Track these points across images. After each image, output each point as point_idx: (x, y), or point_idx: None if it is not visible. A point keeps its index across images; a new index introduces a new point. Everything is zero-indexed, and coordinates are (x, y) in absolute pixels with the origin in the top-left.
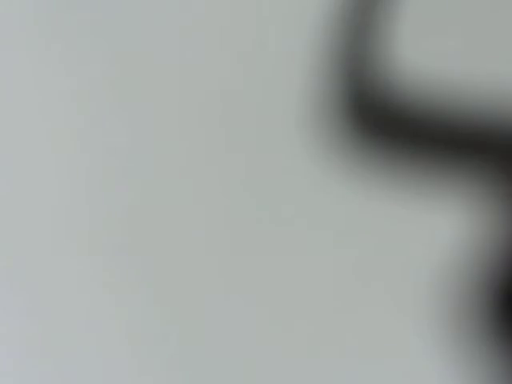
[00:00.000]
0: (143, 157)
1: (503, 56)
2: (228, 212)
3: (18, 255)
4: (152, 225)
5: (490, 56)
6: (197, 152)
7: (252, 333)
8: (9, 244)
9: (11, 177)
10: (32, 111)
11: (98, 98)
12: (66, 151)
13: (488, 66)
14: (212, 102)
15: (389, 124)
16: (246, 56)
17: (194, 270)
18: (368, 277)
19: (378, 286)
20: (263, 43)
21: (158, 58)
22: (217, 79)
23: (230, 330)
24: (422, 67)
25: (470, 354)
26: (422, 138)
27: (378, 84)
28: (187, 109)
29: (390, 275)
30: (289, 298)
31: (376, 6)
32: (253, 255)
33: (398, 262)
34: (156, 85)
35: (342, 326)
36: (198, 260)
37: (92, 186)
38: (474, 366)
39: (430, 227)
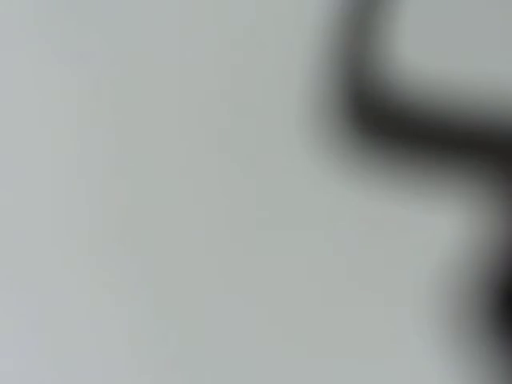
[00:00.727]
0: (143, 157)
1: (503, 56)
2: (228, 212)
3: (18, 256)
4: (152, 225)
5: (490, 56)
6: (197, 152)
7: (252, 332)
8: (9, 245)
9: (11, 177)
10: (32, 111)
11: (97, 98)
12: (65, 151)
13: (488, 65)
14: (212, 101)
15: (389, 124)
16: (245, 56)
17: (194, 270)
18: (368, 277)
19: (378, 285)
20: (263, 43)
21: (157, 57)
22: (217, 79)
23: (229, 330)
24: (422, 67)
25: (469, 353)
26: (422, 138)
27: (377, 84)
28: (187, 109)
29: (389, 275)
30: (288, 297)
31: (376, 5)
32: (252, 255)
33: (397, 262)
34: (156, 85)
35: (342, 325)
36: (198, 260)
37: (92, 186)
38: (474, 365)
39: (430, 227)
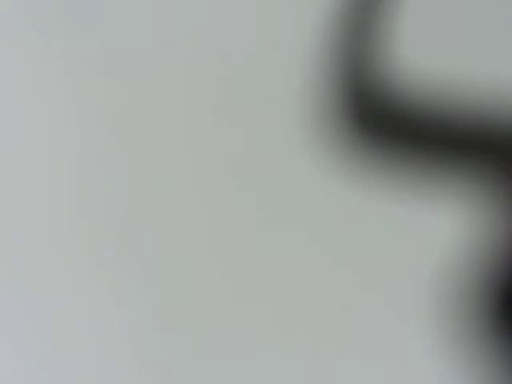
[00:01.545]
0: (143, 157)
1: (503, 56)
2: (228, 212)
3: (18, 257)
4: (152, 224)
5: (490, 56)
6: (197, 152)
7: (252, 332)
8: (8, 246)
9: (10, 178)
10: (31, 111)
11: (97, 98)
12: (65, 151)
13: (488, 65)
14: (212, 102)
15: (388, 124)
16: (245, 56)
17: (194, 270)
18: (368, 277)
19: (378, 285)
20: (263, 43)
21: (157, 57)
22: (216, 79)
23: (229, 330)
24: (422, 67)
25: (469, 353)
26: (422, 138)
27: (377, 83)
28: (187, 108)
29: (389, 275)
30: (288, 297)
31: (376, 5)
32: (252, 255)
33: (397, 262)
34: (155, 84)
35: (342, 325)
36: (198, 260)
37: (92, 187)
38: (474, 365)
39: (430, 227)
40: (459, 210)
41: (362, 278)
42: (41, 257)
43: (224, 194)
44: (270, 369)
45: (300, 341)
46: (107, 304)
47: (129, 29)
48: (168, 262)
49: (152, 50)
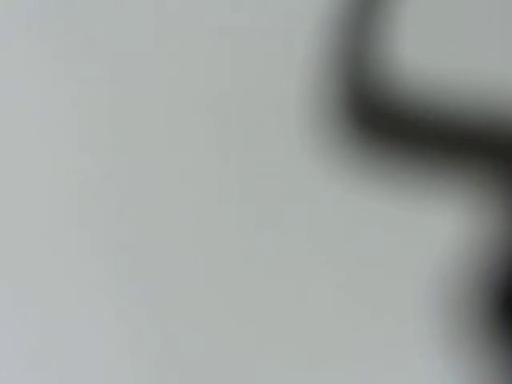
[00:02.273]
0: (143, 157)
1: (503, 56)
2: (228, 213)
3: (17, 261)
4: (152, 226)
5: (490, 56)
6: (197, 152)
7: (252, 335)
8: (8, 250)
9: (9, 179)
10: (30, 112)
11: (96, 98)
12: (65, 153)
13: (488, 65)
14: (212, 102)
15: (389, 124)
16: (246, 57)
17: (194, 271)
18: (368, 277)
19: (378, 285)
20: (263, 44)
21: (156, 58)
22: (217, 79)
23: (229, 330)
24: (423, 67)
25: (469, 353)
26: (422, 138)
27: (378, 84)
28: (187, 110)
29: (389, 275)
30: (288, 297)
31: (376, 6)
32: (253, 255)
33: (397, 262)
34: (155, 86)
35: (342, 325)
36: (198, 260)
37: (91, 189)
38: (474, 365)
39: (430, 227)
40: (459, 210)
41: (361, 277)
42: (41, 258)
43: (224, 195)
44: (268, 370)
45: (300, 341)
46: (107, 313)
47: (128, 28)
48: (168, 262)
49: (152, 51)
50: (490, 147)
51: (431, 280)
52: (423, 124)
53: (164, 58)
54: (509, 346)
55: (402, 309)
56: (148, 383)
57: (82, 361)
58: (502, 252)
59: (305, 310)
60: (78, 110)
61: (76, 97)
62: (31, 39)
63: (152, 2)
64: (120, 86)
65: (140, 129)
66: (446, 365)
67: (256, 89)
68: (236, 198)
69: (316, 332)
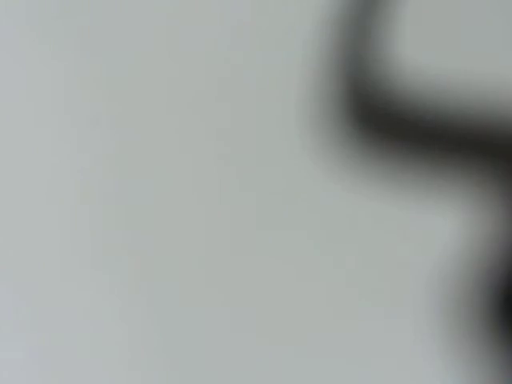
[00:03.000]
0: (143, 158)
1: (503, 56)
2: (228, 213)
3: (19, 260)
4: (152, 227)
5: (490, 56)
6: (197, 153)
7: (252, 335)
8: (8, 251)
9: (9, 179)
10: (30, 112)
11: (97, 98)
12: (65, 153)
13: (488, 65)
14: (212, 102)
15: (389, 124)
16: (246, 57)
17: (193, 271)
18: (368, 277)
19: (378, 285)
20: (263, 43)
21: (156, 58)
22: (216, 79)
23: (229, 330)
24: (423, 67)
25: (469, 353)
26: (422, 138)
27: (378, 84)
28: (187, 110)
29: (389, 275)
30: (288, 297)
31: (376, 6)
32: (253, 256)
33: (397, 262)
34: (155, 86)
35: (342, 325)
36: (198, 260)
37: (91, 191)
38: (474, 365)
39: (430, 227)
40: (459, 209)
41: (361, 277)
42: (40, 257)
43: (224, 195)
44: (268, 369)
45: (300, 341)
46: (107, 305)
47: (128, 28)
48: (168, 262)
49: (151, 51)
50: (490, 147)
51: (431, 280)
52: (423, 124)
53: (164, 57)
54: (509, 345)
55: (402, 309)
56: (148, 383)
57: (82, 361)
58: (502, 252)
59: (304, 310)
60: (78, 109)
61: (76, 97)
62: (31, 39)
63: (152, 2)
64: (120, 86)
65: (140, 129)
66: (446, 365)
67: (256, 89)
68: (236, 197)
69: (316, 332)
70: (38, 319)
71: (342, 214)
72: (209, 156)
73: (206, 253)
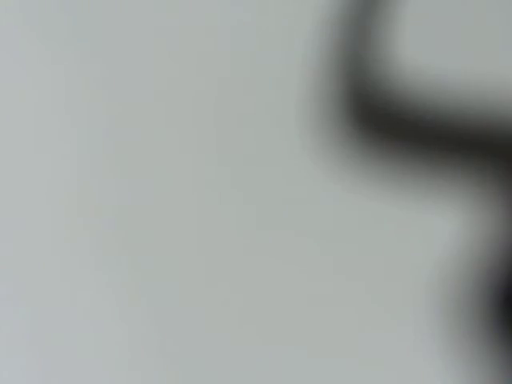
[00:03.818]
0: (143, 158)
1: (503, 56)
2: (228, 213)
3: (19, 260)
4: (150, 226)
5: (490, 56)
6: (197, 153)
7: (252, 335)
8: (6, 250)
9: (9, 179)
10: (30, 112)
11: (97, 98)
12: (65, 153)
13: (488, 65)
14: (211, 102)
15: (388, 124)
16: (246, 56)
17: (193, 271)
18: (368, 277)
19: (378, 285)
20: (263, 43)
21: (156, 58)
22: (216, 79)
23: (228, 330)
24: (423, 67)
25: (469, 353)
26: (422, 138)
27: (378, 84)
28: (187, 110)
29: (389, 275)
30: (288, 296)
31: (376, 6)
32: (253, 256)
33: (397, 262)
34: (155, 86)
35: (342, 325)
36: (198, 261)
37: (90, 190)
38: (474, 365)
39: (430, 227)
40: (459, 209)
41: (361, 278)
42: (40, 257)
43: (224, 195)
44: (268, 369)
45: (300, 341)
46: (107, 305)
47: (129, 29)
48: (168, 262)
49: (151, 51)
50: (490, 147)
51: (431, 280)
52: (423, 124)
53: (164, 57)
54: (509, 346)
55: (402, 309)
56: (148, 383)
57: (82, 361)
58: (502, 252)
59: (304, 310)
60: (78, 110)
61: (76, 97)
62: (31, 39)
63: (152, 2)
64: (120, 86)
65: (140, 129)
66: (446, 365)
67: (256, 89)
68: (236, 198)
69: (315, 332)
70: (38, 319)
71: (342, 213)
72: (209, 156)
73: (206, 253)
